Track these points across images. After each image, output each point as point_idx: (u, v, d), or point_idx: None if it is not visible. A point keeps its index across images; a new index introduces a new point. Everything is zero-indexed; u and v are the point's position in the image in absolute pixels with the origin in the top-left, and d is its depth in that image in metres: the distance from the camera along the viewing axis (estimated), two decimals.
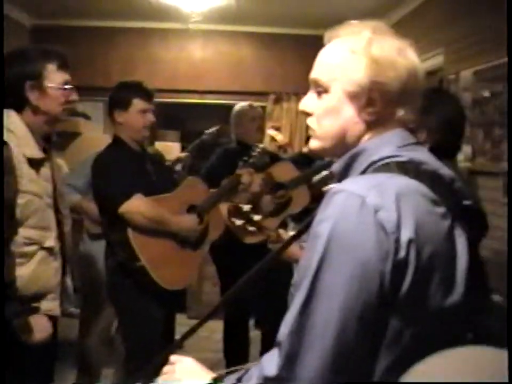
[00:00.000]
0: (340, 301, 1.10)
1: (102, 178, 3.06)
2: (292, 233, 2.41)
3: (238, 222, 2.80)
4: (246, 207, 2.82)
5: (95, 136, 5.76)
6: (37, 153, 2.37)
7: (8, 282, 2.21)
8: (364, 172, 1.26)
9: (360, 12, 5.98)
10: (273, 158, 4.25)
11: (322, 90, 1.30)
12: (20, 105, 2.35)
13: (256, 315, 4.48)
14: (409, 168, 1.20)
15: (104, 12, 6.44)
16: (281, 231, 2.77)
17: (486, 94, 3.92)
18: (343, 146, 1.30)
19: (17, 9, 6.12)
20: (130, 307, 3.12)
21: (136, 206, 2.98)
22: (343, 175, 1.31)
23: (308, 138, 4.88)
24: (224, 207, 3.74)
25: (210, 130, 4.22)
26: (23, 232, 2.29)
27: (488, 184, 3.89)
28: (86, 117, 6.28)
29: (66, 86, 2.42)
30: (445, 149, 2.33)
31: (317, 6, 5.89)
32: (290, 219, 4.10)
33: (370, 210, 1.11)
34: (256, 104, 4.48)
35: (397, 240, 1.10)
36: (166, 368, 1.44)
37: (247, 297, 3.79)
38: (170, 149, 5.87)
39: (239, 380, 1.28)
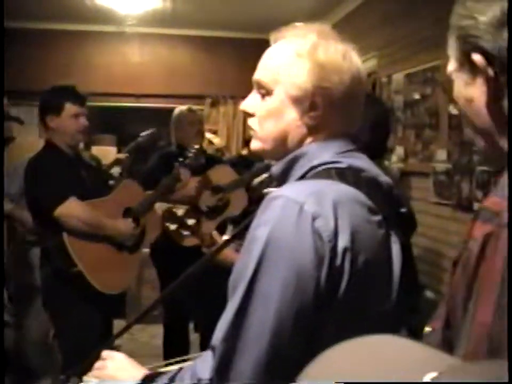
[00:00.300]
0: (275, 306, 1.10)
1: (35, 182, 3.01)
2: (226, 236, 2.42)
3: (172, 227, 2.80)
4: (180, 212, 2.82)
5: (29, 141, 5.63)
6: None
7: None
8: (303, 177, 1.25)
9: (295, 16, 6.02)
10: (212, 161, 4.26)
11: (265, 92, 1.29)
12: None
13: (194, 318, 4.48)
14: (348, 175, 1.20)
15: (39, 14, 6.31)
16: (214, 233, 2.78)
17: (417, 96, 4.03)
18: (284, 149, 1.29)
19: None
20: (66, 314, 3.06)
21: (72, 209, 2.95)
22: (282, 178, 1.30)
23: (246, 142, 4.92)
24: (160, 211, 3.73)
25: (146, 132, 4.19)
26: None
27: (419, 185, 4.00)
28: (20, 121, 6.13)
29: None
30: (373, 150, 2.40)
31: (254, 9, 5.93)
32: (229, 222, 4.11)
33: (308, 217, 1.11)
34: (195, 107, 4.48)
35: (333, 249, 1.11)
36: (97, 364, 1.43)
37: (185, 300, 3.78)
38: (107, 153, 5.79)
39: (172, 379, 1.27)
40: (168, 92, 6.86)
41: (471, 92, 0.96)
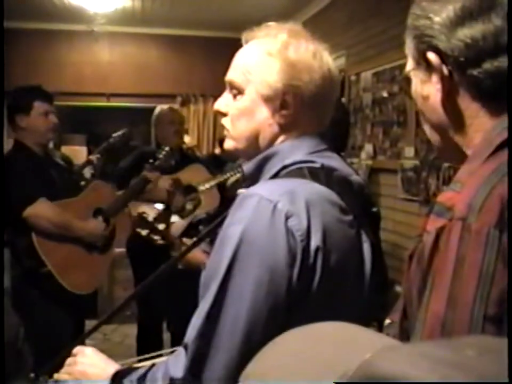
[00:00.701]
0: (248, 304, 1.11)
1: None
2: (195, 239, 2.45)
3: (144, 232, 2.82)
4: (151, 217, 2.84)
5: None
6: None
7: None
8: (276, 175, 1.26)
9: (265, 14, 6.03)
10: (188, 160, 4.27)
11: (237, 92, 1.30)
12: None
13: (168, 317, 4.48)
14: (321, 175, 1.21)
15: (8, 12, 6.22)
16: (185, 239, 2.81)
17: (385, 94, 4.08)
18: (256, 147, 1.30)
19: None
20: (37, 315, 3.05)
21: (41, 210, 2.95)
22: (254, 176, 1.31)
23: (220, 141, 4.91)
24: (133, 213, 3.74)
25: (117, 133, 4.17)
26: None
27: (387, 181, 4.05)
28: None
29: None
30: (335, 147, 2.45)
31: (224, 8, 5.94)
32: (201, 222, 4.12)
33: (281, 216, 1.12)
34: (175, 107, 4.48)
35: (306, 248, 1.12)
36: (68, 361, 1.43)
37: (158, 298, 3.79)
38: (77, 153, 5.78)
39: (144, 375, 1.27)
40: (138, 91, 6.84)
41: (427, 90, 0.99)
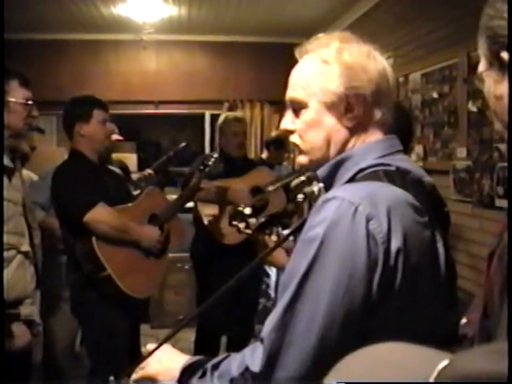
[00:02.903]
0: (325, 304, 1.13)
1: (64, 190, 3.06)
2: (274, 238, 2.49)
3: (241, 225, 2.88)
4: (247, 210, 2.89)
5: (49, 150, 5.72)
6: (8, 162, 2.46)
7: None
8: (352, 179, 1.28)
9: (310, 19, 6.08)
10: (251, 164, 4.35)
11: (300, 107, 1.33)
12: None
13: (226, 321, 4.51)
14: (396, 177, 1.24)
15: (56, 24, 6.39)
16: (267, 238, 2.84)
17: (435, 95, 4.05)
18: (329, 155, 1.33)
19: None
20: (94, 320, 3.11)
21: (101, 214, 3.00)
22: (328, 180, 1.34)
23: (267, 145, 4.97)
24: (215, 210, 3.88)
25: (179, 147, 4.28)
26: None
27: (439, 182, 3.98)
28: (40, 130, 6.20)
29: (28, 102, 2.52)
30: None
31: (269, 14, 5.96)
32: (273, 223, 4.21)
33: (362, 218, 1.14)
34: (240, 115, 4.55)
35: (387, 250, 1.13)
36: (142, 364, 1.48)
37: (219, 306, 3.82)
38: (128, 159, 5.85)
39: (216, 366, 1.31)
40: (185, 97, 6.93)
41: (500, 90, 1.00)
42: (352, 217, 1.15)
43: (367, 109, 1.30)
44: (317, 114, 1.31)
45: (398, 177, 1.24)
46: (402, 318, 1.16)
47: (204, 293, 4.13)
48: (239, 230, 2.95)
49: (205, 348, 4.13)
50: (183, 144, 4.25)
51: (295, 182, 3.80)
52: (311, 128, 1.33)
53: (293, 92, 1.35)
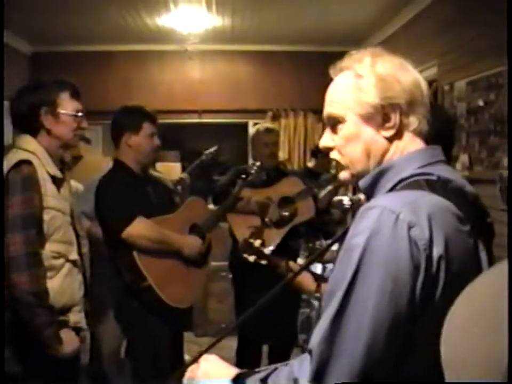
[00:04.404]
0: (371, 312, 1.14)
1: (104, 203, 3.10)
2: (300, 261, 2.47)
3: (251, 259, 2.90)
4: (257, 243, 2.91)
5: (96, 159, 5.79)
6: (57, 172, 2.52)
7: (38, 292, 2.32)
8: (393, 188, 1.30)
9: (353, 28, 6.05)
10: (281, 174, 4.33)
11: (337, 121, 1.37)
12: (35, 129, 2.51)
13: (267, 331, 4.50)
14: (438, 186, 1.25)
15: (102, 36, 6.51)
16: (291, 263, 2.84)
17: (480, 103, 3.97)
18: (370, 167, 1.35)
19: (16, 38, 6.20)
20: (136, 327, 3.14)
21: (139, 229, 3.02)
22: (370, 191, 1.36)
23: (313, 153, 4.98)
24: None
25: (209, 150, 4.28)
26: (50, 246, 2.44)
27: (485, 192, 3.92)
28: (87, 140, 6.31)
29: (78, 114, 2.57)
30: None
31: (312, 22, 5.95)
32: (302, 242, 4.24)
33: (404, 226, 1.16)
34: (271, 126, 4.54)
35: (429, 257, 1.14)
36: (191, 367, 1.49)
37: (260, 313, 3.82)
38: (172, 169, 5.92)
39: (264, 380, 1.31)
40: (229, 107, 6.97)
41: None
42: (393, 225, 1.16)
43: (403, 118, 1.33)
44: (355, 127, 1.34)
45: (440, 186, 1.25)
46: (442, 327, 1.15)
47: (241, 303, 4.14)
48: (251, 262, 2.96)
49: (247, 357, 4.13)
50: (214, 147, 4.26)
51: (323, 193, 3.82)
52: (349, 142, 1.36)
53: (330, 107, 1.39)
